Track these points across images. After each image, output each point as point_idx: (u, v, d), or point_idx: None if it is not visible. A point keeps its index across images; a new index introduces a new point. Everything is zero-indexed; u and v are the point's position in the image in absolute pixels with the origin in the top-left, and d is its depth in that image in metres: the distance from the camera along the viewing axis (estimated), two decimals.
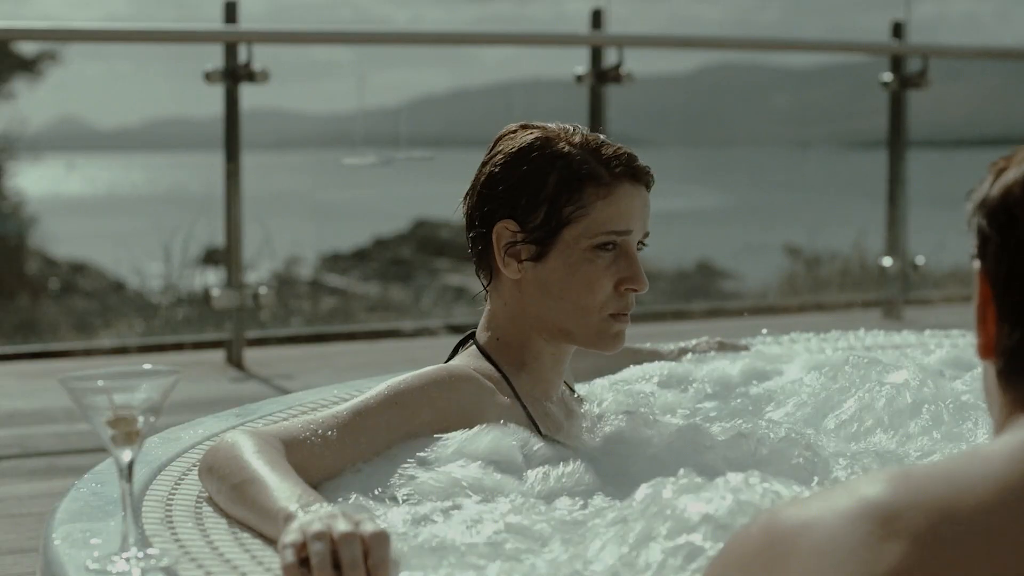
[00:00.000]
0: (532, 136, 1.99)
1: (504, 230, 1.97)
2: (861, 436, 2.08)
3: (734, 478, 1.44)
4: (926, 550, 1.06)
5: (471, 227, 2.01)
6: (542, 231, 1.96)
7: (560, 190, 1.95)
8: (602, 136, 2.03)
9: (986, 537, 1.06)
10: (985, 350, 1.21)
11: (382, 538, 1.42)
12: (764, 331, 2.82)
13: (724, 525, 1.47)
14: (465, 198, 2.04)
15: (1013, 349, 1.18)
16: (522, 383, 1.98)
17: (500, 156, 1.99)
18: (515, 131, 2.02)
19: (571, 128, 2.02)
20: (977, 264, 1.21)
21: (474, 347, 2.03)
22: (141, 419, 1.47)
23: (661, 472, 1.61)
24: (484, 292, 2.05)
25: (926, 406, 2.12)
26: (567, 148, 1.98)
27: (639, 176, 1.99)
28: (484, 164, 2.02)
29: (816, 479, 1.78)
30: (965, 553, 1.06)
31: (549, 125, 2.02)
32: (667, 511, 1.52)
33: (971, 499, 1.07)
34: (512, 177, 1.97)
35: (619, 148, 2.00)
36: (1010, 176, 1.18)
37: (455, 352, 2.07)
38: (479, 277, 2.05)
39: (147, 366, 1.50)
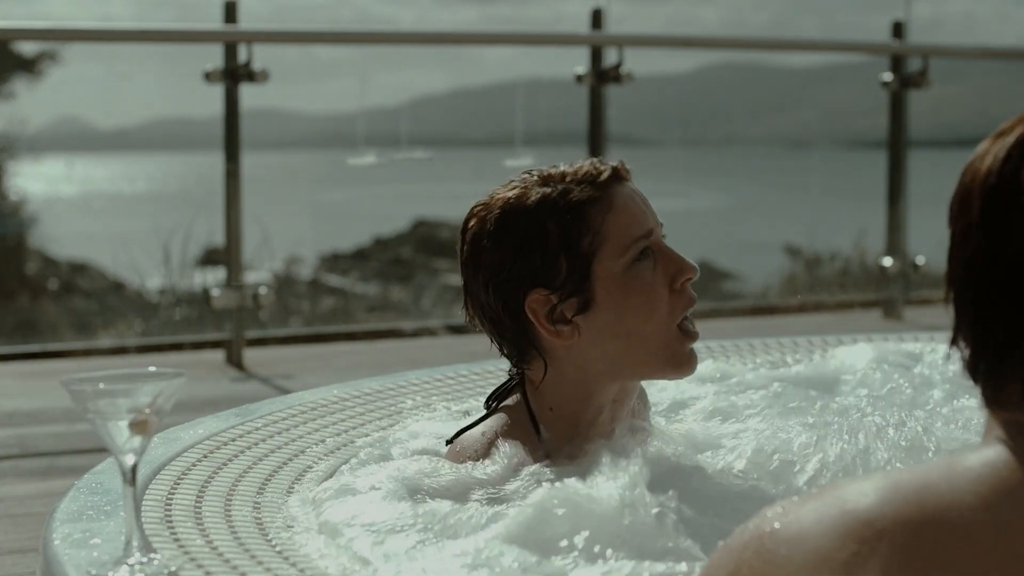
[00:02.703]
0: (498, 208, 1.84)
1: (536, 303, 1.82)
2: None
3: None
4: (909, 565, 1.06)
5: (499, 322, 1.85)
6: (574, 279, 1.81)
7: (565, 230, 1.81)
8: (559, 165, 1.88)
9: (971, 552, 1.07)
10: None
11: None
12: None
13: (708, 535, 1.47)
14: (466, 304, 1.88)
15: (967, 349, 1.17)
16: (561, 456, 1.82)
17: (487, 242, 1.83)
18: (476, 216, 1.86)
19: (526, 176, 1.87)
20: None
21: (523, 405, 1.87)
22: (152, 422, 1.47)
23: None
24: (521, 373, 1.89)
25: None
26: (539, 192, 1.83)
27: (620, 174, 1.87)
28: (467, 263, 1.86)
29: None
30: (950, 568, 1.06)
31: (500, 190, 1.87)
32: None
33: (957, 513, 1.07)
34: (511, 253, 1.82)
35: (581, 163, 1.87)
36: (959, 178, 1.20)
37: (491, 403, 1.93)
38: (523, 366, 1.88)
39: (152, 368, 1.49)
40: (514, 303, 1.83)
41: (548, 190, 1.83)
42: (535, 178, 1.85)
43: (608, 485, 1.56)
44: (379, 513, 1.63)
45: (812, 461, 1.81)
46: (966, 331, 1.15)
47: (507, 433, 1.83)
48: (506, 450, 1.79)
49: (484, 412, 1.93)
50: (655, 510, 1.51)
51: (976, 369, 1.15)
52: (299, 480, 1.87)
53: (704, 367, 2.35)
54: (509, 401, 1.90)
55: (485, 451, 1.80)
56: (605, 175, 1.84)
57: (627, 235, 1.82)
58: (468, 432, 1.87)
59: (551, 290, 1.82)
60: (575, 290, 1.81)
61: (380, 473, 1.78)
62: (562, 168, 1.86)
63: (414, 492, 1.70)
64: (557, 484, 1.59)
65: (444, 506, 1.63)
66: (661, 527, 1.49)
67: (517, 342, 1.86)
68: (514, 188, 1.85)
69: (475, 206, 1.87)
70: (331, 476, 1.89)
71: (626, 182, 1.87)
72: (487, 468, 1.76)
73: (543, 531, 1.49)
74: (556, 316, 1.82)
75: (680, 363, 1.85)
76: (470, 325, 1.90)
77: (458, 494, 1.70)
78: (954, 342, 1.17)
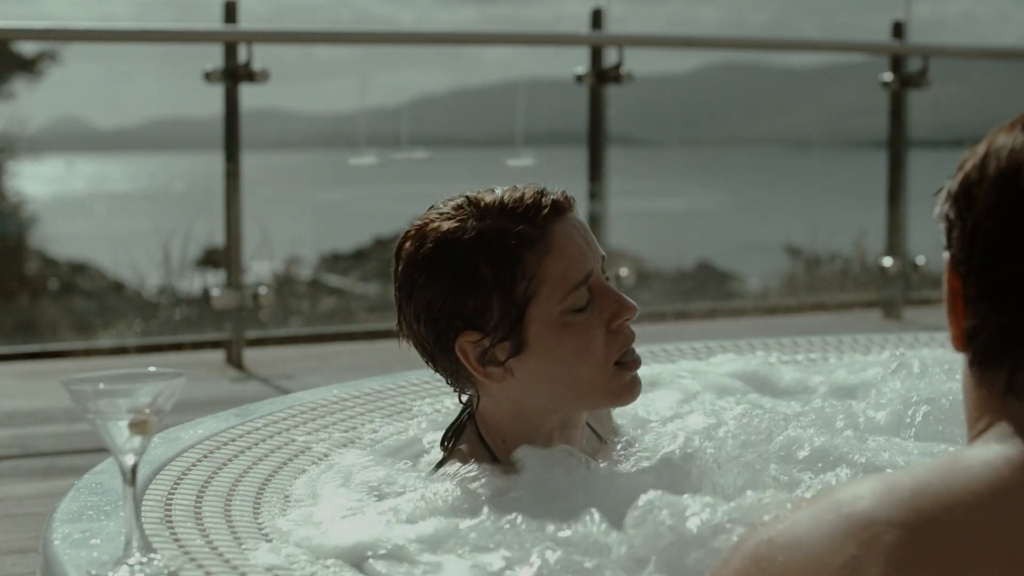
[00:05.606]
0: (431, 242, 1.75)
1: (467, 345, 1.75)
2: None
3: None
4: (906, 567, 1.06)
5: (431, 353, 1.79)
6: (506, 325, 1.73)
7: (499, 275, 1.72)
8: (496, 190, 1.79)
9: (968, 552, 1.06)
10: (958, 341, 1.20)
11: None
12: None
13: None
14: (400, 325, 1.81)
15: (979, 337, 1.17)
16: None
17: (419, 277, 1.75)
18: (410, 240, 1.77)
19: (463, 203, 1.77)
20: (946, 254, 1.21)
21: (478, 441, 1.81)
22: (152, 422, 1.47)
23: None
24: (470, 401, 1.84)
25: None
26: (474, 228, 1.74)
27: (562, 208, 1.77)
28: (401, 288, 1.79)
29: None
30: (947, 569, 1.06)
31: (435, 217, 1.77)
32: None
33: (954, 513, 1.07)
34: (443, 292, 1.73)
35: (523, 192, 1.77)
36: (968, 163, 1.19)
37: (448, 439, 1.86)
38: (462, 394, 1.85)
39: (152, 368, 1.49)
40: (445, 340, 1.76)
41: (484, 226, 1.73)
42: (471, 208, 1.76)
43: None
44: (370, 528, 1.61)
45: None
46: (997, 315, 1.14)
47: (471, 479, 1.73)
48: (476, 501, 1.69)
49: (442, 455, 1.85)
50: (633, 548, 1.46)
51: (1006, 353, 1.14)
52: (296, 481, 1.87)
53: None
54: (463, 445, 1.83)
55: None
56: (543, 214, 1.74)
57: (564, 281, 1.74)
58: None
59: (483, 333, 1.74)
60: (507, 334, 1.74)
61: (371, 483, 1.78)
62: (502, 196, 1.76)
63: (405, 510, 1.65)
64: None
65: (435, 524, 1.61)
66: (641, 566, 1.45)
67: (449, 372, 1.81)
68: (448, 219, 1.76)
69: (410, 229, 1.79)
70: (324, 477, 1.88)
71: (568, 214, 1.78)
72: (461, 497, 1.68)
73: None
74: (487, 359, 1.75)
75: (619, 395, 1.79)
76: (404, 343, 1.83)
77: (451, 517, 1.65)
78: (975, 330, 1.16)
